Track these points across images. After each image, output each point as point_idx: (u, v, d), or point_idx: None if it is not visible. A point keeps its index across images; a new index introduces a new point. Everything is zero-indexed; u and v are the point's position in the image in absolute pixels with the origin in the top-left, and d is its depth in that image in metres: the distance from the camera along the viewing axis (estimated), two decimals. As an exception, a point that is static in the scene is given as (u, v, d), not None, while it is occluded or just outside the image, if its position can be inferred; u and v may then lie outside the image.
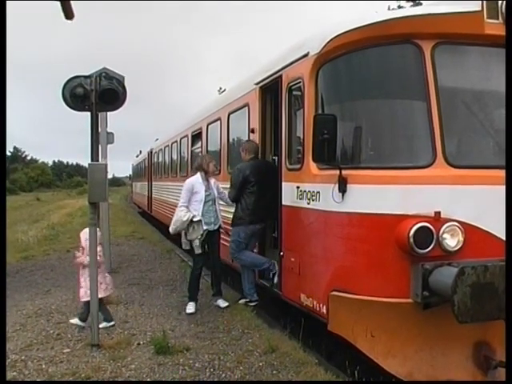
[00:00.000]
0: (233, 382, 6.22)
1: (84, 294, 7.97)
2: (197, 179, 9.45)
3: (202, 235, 9.14)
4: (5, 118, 3.42)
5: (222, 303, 9.49)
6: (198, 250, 9.24)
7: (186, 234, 9.23)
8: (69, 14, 3.10)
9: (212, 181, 9.58)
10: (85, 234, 7.95)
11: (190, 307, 9.24)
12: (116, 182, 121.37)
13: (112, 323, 8.33)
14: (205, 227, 9.16)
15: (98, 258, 7.71)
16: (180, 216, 9.14)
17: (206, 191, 9.32)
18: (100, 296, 7.69)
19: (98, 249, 7.82)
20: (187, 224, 9.09)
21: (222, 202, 9.84)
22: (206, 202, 9.28)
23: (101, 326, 7.84)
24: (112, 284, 8.52)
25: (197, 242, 9.14)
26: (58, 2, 3.07)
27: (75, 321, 8.34)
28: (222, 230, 9.84)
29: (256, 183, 9.11)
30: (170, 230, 9.49)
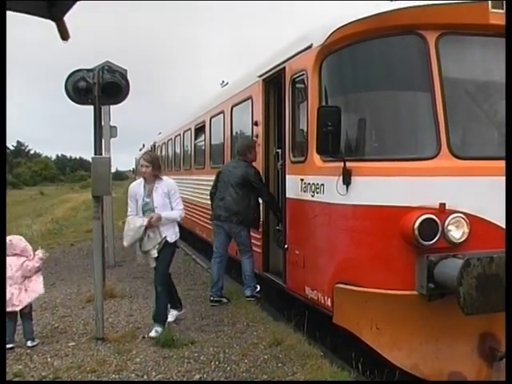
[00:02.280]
0: (235, 382, 6.22)
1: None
2: (138, 184, 7.87)
3: (159, 244, 7.61)
4: (5, 113, 3.41)
5: (153, 332, 7.52)
6: (153, 264, 7.71)
7: (140, 246, 7.70)
8: (64, 35, 3.12)
9: (157, 186, 7.70)
10: (22, 242, 7.42)
11: (169, 316, 8.03)
12: (119, 176, 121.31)
13: (36, 343, 7.28)
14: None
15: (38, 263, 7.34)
16: (133, 223, 7.59)
17: (143, 200, 7.70)
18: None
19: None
20: (141, 232, 7.53)
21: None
22: (144, 212, 7.67)
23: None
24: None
25: (154, 254, 7.59)
26: (54, 23, 3.08)
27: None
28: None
29: (220, 182, 9.58)
30: (124, 243, 7.87)
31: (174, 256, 8.00)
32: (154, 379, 6.17)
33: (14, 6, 3.12)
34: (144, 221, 7.49)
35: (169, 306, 8.11)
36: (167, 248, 7.73)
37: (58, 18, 3.10)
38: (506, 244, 4.97)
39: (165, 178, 7.97)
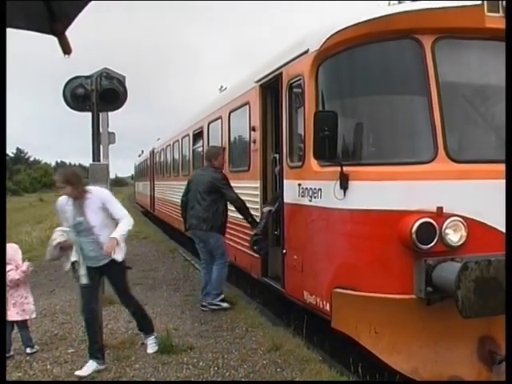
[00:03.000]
0: (237, 381, 6.22)
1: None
2: (65, 200, 6.70)
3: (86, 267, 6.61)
4: (5, 119, 3.43)
5: (150, 347, 7.18)
6: (84, 280, 6.60)
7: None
8: (66, 49, 3.14)
9: (87, 202, 6.54)
10: (10, 249, 7.24)
11: (85, 368, 6.56)
12: (119, 183, 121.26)
13: (35, 350, 7.30)
14: (73, 259, 6.68)
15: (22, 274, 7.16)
16: (51, 239, 6.77)
17: (74, 218, 6.57)
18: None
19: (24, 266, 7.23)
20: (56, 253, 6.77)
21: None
22: (79, 232, 6.60)
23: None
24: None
25: (82, 271, 6.61)
26: (56, 38, 3.11)
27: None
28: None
29: (190, 191, 9.62)
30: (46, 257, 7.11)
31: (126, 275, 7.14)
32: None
33: (14, 23, 3.14)
34: (60, 240, 6.63)
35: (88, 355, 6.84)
36: (116, 270, 6.87)
37: (59, 33, 3.12)
38: (506, 247, 4.98)
39: (94, 188, 6.90)
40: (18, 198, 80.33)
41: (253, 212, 9.34)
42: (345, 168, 6.17)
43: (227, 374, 6.40)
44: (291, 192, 7.69)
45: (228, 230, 9.83)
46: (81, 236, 6.62)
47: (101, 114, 8.63)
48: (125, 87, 7.76)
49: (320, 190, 6.78)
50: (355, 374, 6.31)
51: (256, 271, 9.47)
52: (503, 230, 5.83)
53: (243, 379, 6.24)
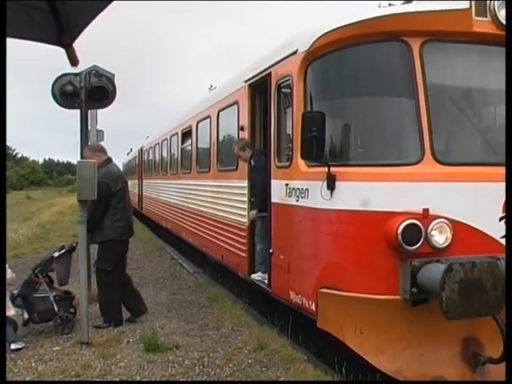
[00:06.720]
0: (225, 382, 6.23)
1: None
2: None
3: None
4: (5, 116, 3.45)
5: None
6: None
7: None
8: (74, 61, 3.17)
9: None
10: None
11: None
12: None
13: (20, 346, 7.31)
14: None
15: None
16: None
17: None
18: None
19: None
20: None
21: None
22: None
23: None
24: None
25: None
26: (63, 50, 3.15)
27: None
28: None
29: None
30: None
31: None
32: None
33: (22, 33, 3.16)
34: None
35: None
36: None
37: (67, 45, 3.14)
38: (506, 248, 5.02)
39: None
40: (4, 195, 79.80)
41: (239, 212, 9.37)
42: (332, 169, 6.19)
43: (212, 372, 6.41)
44: (278, 192, 7.70)
45: (215, 229, 9.81)
46: None
47: (89, 112, 8.60)
48: (114, 85, 7.74)
49: (307, 190, 6.80)
50: (339, 374, 6.34)
51: (243, 270, 9.47)
52: (488, 232, 5.91)
53: (228, 378, 6.26)
